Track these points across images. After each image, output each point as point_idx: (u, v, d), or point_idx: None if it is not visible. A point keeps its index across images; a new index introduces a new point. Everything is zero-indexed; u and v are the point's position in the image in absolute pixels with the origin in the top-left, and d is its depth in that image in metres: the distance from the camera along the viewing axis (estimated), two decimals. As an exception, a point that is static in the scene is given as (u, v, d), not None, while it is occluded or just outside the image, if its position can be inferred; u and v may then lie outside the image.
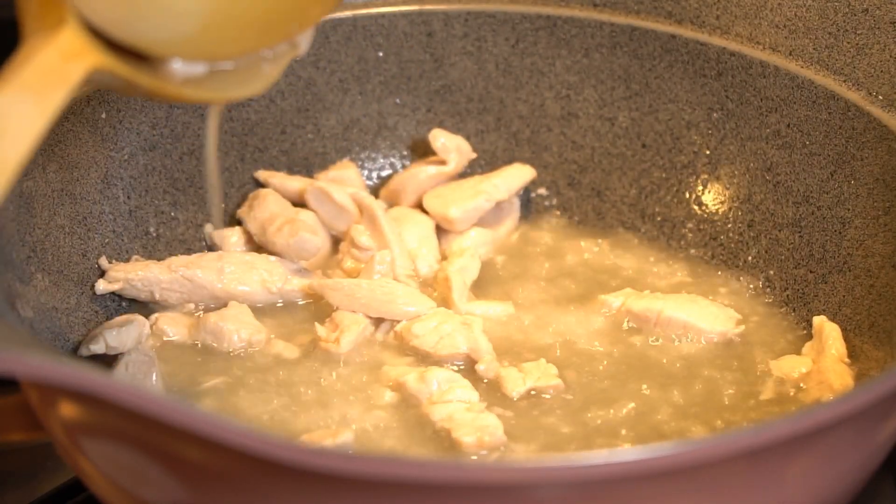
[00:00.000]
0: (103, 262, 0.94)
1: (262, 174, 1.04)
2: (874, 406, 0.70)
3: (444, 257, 1.01)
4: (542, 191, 1.07)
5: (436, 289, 0.97)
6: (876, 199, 0.93)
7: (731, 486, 0.68)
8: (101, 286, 0.93)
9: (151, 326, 0.93)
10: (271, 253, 0.99)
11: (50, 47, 0.72)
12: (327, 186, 1.01)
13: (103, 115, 0.96)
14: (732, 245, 1.01)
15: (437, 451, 0.84)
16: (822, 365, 0.89)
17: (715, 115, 1.02)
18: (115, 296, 0.94)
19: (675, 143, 1.04)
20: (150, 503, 0.73)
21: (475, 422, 0.84)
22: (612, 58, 1.05)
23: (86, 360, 0.89)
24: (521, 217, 1.06)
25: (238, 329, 0.92)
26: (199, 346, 0.92)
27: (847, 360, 0.90)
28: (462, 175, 1.06)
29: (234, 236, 1.01)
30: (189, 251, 1.00)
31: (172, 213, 1.00)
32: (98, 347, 0.89)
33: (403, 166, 1.08)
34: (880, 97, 0.94)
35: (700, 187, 1.03)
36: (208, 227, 1.02)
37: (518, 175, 1.05)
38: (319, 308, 0.96)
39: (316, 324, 0.93)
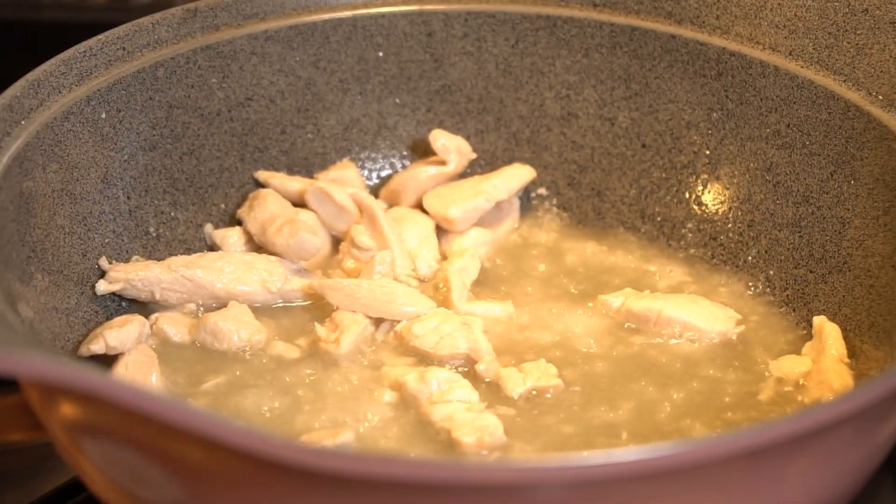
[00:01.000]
0: (103, 262, 0.94)
1: (261, 174, 1.04)
2: (874, 406, 0.70)
3: (444, 257, 1.01)
4: (542, 191, 1.07)
5: (437, 289, 0.97)
6: (876, 199, 0.93)
7: (731, 486, 0.68)
8: (102, 287, 0.93)
9: (151, 326, 0.93)
10: (271, 253, 0.99)
11: None
12: (327, 186, 1.01)
13: (103, 115, 0.96)
14: (732, 245, 1.01)
15: (437, 451, 0.84)
16: (822, 365, 0.89)
17: (715, 115, 1.02)
18: (115, 296, 0.94)
19: (675, 143, 1.04)
20: (149, 503, 0.73)
21: (475, 422, 0.84)
22: (612, 58, 1.05)
23: (86, 361, 0.89)
24: (521, 217, 1.06)
25: (238, 329, 0.92)
26: (199, 346, 0.92)
27: (847, 360, 0.90)
28: (462, 175, 1.06)
29: (234, 236, 1.01)
30: (189, 251, 1.00)
31: (172, 213, 1.00)
32: (98, 347, 0.89)
33: (403, 166, 1.08)
34: (880, 97, 0.94)
35: (700, 187, 1.03)
36: (208, 227, 1.02)
37: (518, 175, 1.05)
38: (319, 308, 0.96)
39: (316, 324, 0.93)
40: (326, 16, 1.05)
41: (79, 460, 0.76)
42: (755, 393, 0.89)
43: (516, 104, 1.07)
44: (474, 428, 0.83)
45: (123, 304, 0.95)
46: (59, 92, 0.93)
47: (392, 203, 1.05)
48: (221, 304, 0.95)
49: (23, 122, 0.90)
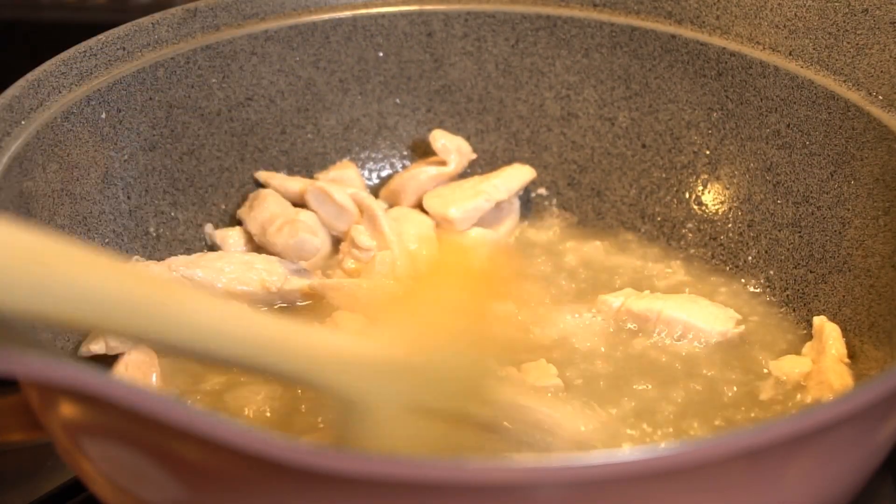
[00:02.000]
0: None
1: (261, 175, 1.04)
2: (874, 406, 0.70)
3: (444, 257, 1.01)
4: (542, 191, 1.07)
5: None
6: (876, 199, 0.93)
7: (731, 486, 0.68)
8: None
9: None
10: (271, 253, 0.99)
11: None
12: (327, 186, 1.01)
13: (103, 115, 0.96)
14: (732, 245, 1.01)
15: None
16: (822, 365, 0.89)
17: (715, 115, 1.02)
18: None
19: (675, 143, 1.04)
20: (149, 503, 0.73)
21: None
22: (612, 58, 1.05)
23: (86, 360, 0.89)
24: (521, 217, 1.06)
25: None
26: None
27: (847, 360, 0.90)
28: (462, 175, 1.06)
29: (233, 236, 1.01)
30: (189, 251, 1.00)
31: (172, 213, 1.00)
32: (98, 347, 0.89)
33: (403, 166, 1.08)
34: (880, 97, 0.94)
35: (700, 187, 1.03)
36: (208, 228, 1.02)
37: (518, 175, 1.05)
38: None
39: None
40: (326, 16, 1.05)
41: (79, 460, 0.75)
42: (755, 393, 0.89)
43: (516, 104, 1.07)
44: None
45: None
46: (59, 92, 0.93)
47: (392, 203, 1.05)
48: None
49: (23, 122, 0.90)
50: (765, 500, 0.70)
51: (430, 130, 1.06)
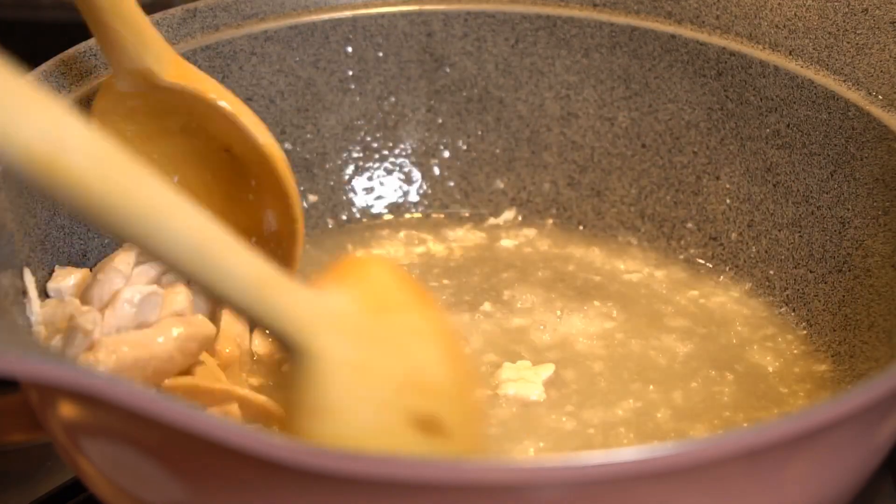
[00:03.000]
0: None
1: None
2: (874, 406, 0.70)
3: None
4: (542, 191, 1.07)
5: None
6: (876, 198, 0.93)
7: (731, 486, 0.68)
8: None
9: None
10: None
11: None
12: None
13: (103, 116, 0.96)
14: (732, 245, 1.01)
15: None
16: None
17: (715, 114, 1.02)
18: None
19: (675, 142, 1.04)
20: (149, 503, 0.73)
21: None
22: (612, 58, 1.05)
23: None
24: (521, 217, 1.06)
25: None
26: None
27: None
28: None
29: None
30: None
31: (172, 213, 1.00)
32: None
33: (403, 167, 1.08)
34: (880, 97, 0.94)
35: (700, 187, 1.03)
36: None
37: None
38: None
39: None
40: (326, 16, 1.05)
41: (78, 461, 0.75)
42: (755, 393, 0.90)
43: (516, 104, 1.07)
44: None
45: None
46: (59, 92, 0.92)
47: None
48: None
49: (23, 122, 0.89)
50: (764, 500, 0.70)
51: (430, 130, 1.06)
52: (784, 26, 0.99)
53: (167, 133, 0.94)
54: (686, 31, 1.02)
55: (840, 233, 0.95)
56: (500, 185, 1.07)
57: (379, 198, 1.07)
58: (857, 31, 0.96)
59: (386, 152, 1.08)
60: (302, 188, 1.05)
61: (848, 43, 0.96)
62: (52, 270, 0.89)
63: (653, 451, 0.64)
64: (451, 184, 1.08)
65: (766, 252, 0.99)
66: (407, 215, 1.07)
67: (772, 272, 0.99)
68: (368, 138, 1.07)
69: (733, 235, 1.01)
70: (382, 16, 1.06)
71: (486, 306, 0.97)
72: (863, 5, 0.96)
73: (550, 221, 1.06)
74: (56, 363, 0.65)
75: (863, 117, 0.94)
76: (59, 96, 0.93)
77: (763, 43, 1.00)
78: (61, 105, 0.66)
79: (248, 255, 0.69)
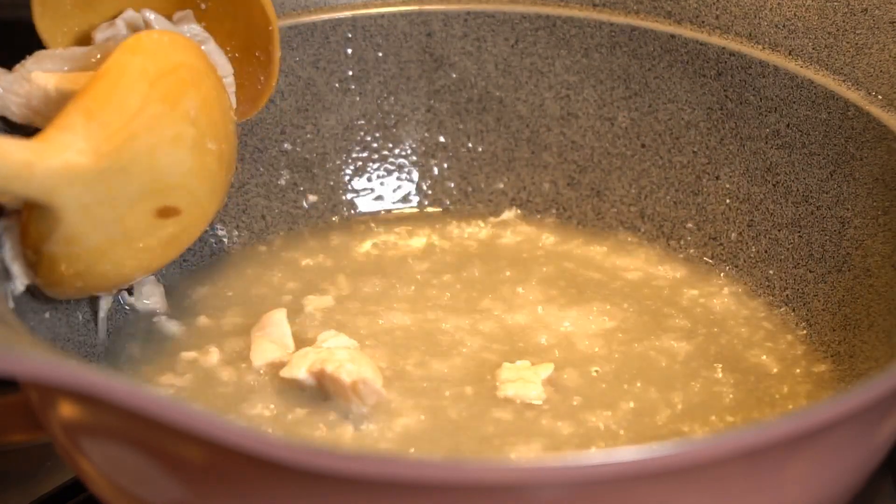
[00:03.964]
0: None
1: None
2: (873, 405, 0.70)
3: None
4: (542, 191, 1.07)
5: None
6: (875, 198, 0.93)
7: (731, 486, 0.68)
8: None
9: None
10: None
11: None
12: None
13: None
14: (732, 245, 1.01)
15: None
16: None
17: (714, 114, 1.02)
18: (119, 298, 0.94)
19: (675, 142, 1.04)
20: (149, 503, 0.73)
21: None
22: (612, 58, 1.05)
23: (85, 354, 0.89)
24: (521, 217, 1.06)
25: None
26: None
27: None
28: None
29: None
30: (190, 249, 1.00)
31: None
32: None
33: (403, 167, 1.08)
34: (880, 97, 0.94)
35: (700, 187, 1.03)
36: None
37: None
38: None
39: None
40: (326, 16, 1.05)
41: (78, 461, 0.76)
42: (755, 393, 0.90)
43: (516, 104, 1.07)
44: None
45: (126, 306, 0.95)
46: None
47: None
48: None
49: (22, 123, 0.89)
50: (765, 500, 0.70)
51: (430, 130, 1.06)
52: (784, 26, 0.99)
53: None
54: (686, 31, 1.03)
55: (840, 232, 0.95)
56: (500, 184, 1.07)
57: (379, 198, 1.07)
58: (857, 31, 0.96)
59: (386, 152, 1.08)
60: (302, 188, 1.05)
61: (847, 43, 0.96)
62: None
63: (653, 451, 0.64)
64: (451, 184, 1.08)
65: (765, 252, 0.99)
66: (407, 215, 1.07)
67: (771, 272, 0.99)
68: (368, 138, 1.07)
69: (733, 235, 1.01)
70: (382, 16, 1.06)
71: (486, 306, 0.97)
72: (862, 5, 0.96)
73: (551, 221, 1.06)
74: (56, 363, 0.65)
75: (862, 117, 0.94)
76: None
77: (763, 43, 1.00)
78: None
79: None
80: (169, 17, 0.92)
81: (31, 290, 0.86)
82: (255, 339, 0.91)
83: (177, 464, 0.69)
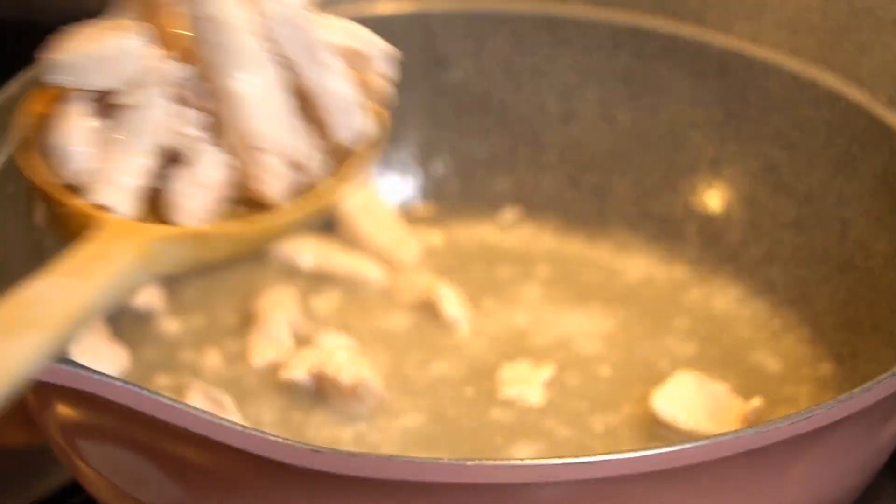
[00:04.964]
0: None
1: None
2: (876, 407, 0.70)
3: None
4: (543, 191, 1.07)
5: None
6: (878, 199, 0.93)
7: (731, 486, 0.68)
8: None
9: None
10: None
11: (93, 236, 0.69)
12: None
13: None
14: (734, 245, 1.01)
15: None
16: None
17: (716, 115, 1.02)
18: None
19: (677, 143, 1.04)
20: (149, 503, 0.73)
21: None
22: (614, 58, 1.05)
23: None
24: (521, 217, 1.06)
25: None
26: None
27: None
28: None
29: None
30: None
31: (172, 214, 1.00)
32: None
33: (403, 167, 1.08)
34: (883, 97, 0.94)
35: (702, 187, 1.03)
36: None
37: None
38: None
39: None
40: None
41: (76, 462, 0.75)
42: (755, 393, 0.89)
43: (517, 104, 1.07)
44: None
45: (127, 308, 0.95)
46: (59, 91, 0.92)
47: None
48: None
49: (22, 122, 0.89)
50: (765, 501, 0.70)
51: (430, 130, 1.06)
52: (786, 25, 0.99)
53: None
54: (688, 31, 1.02)
55: (842, 233, 0.95)
56: (500, 185, 1.07)
57: (380, 198, 1.07)
58: (860, 31, 0.96)
59: (386, 153, 1.08)
60: (302, 188, 1.05)
61: (850, 42, 0.96)
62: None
63: (653, 451, 0.64)
64: (452, 184, 1.08)
65: (768, 253, 0.99)
66: (407, 215, 1.07)
67: (774, 273, 0.99)
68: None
69: (735, 236, 1.01)
70: (383, 17, 1.06)
71: (487, 306, 0.97)
72: (865, 4, 0.95)
73: (552, 222, 1.06)
74: (55, 363, 0.65)
75: (865, 117, 0.94)
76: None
77: (765, 42, 1.00)
78: None
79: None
80: None
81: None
82: (255, 339, 0.91)
83: (176, 464, 0.69)
